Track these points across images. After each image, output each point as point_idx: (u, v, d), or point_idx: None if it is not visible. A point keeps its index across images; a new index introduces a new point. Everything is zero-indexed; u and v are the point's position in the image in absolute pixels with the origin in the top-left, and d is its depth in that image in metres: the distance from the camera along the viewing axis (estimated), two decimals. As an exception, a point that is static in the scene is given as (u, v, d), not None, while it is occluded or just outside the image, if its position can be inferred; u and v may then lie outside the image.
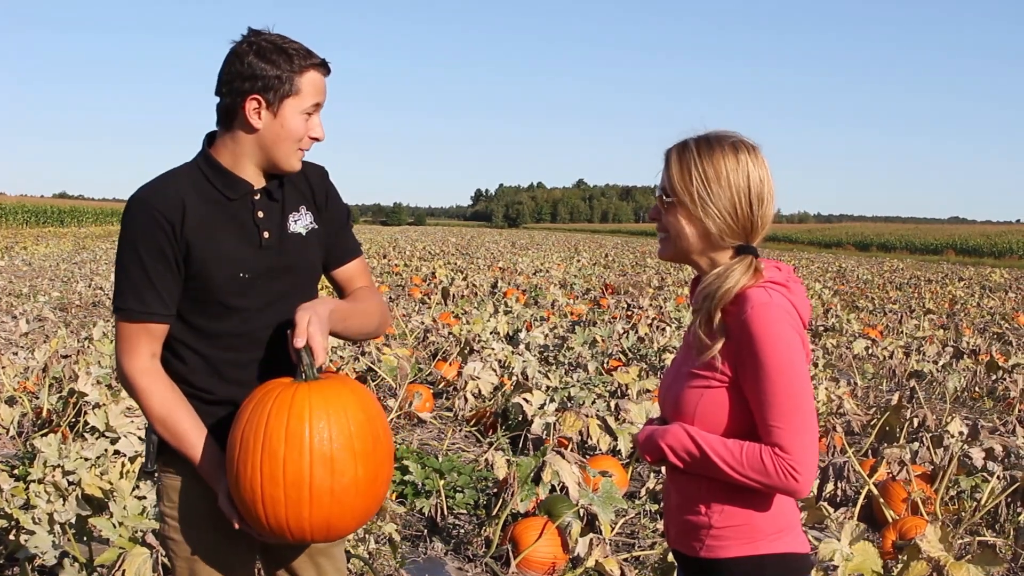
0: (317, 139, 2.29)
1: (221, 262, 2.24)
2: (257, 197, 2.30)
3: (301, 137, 2.25)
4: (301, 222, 2.36)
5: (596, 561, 4.25)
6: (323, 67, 2.25)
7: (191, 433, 2.24)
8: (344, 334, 2.34)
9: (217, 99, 2.27)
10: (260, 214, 2.30)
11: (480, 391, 7.83)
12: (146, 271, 2.20)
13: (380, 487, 2.17)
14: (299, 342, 2.12)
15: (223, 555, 2.38)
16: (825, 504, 4.69)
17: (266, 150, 2.25)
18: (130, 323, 2.23)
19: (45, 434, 5.84)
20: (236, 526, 2.19)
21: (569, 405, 7.03)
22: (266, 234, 2.29)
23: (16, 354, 9.15)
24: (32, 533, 3.97)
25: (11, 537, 4.27)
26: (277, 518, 2.08)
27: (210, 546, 2.35)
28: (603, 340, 10.87)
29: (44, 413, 6.52)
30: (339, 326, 2.27)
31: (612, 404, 6.93)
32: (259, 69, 2.17)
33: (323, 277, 2.51)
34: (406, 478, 5.46)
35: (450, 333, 10.74)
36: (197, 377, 2.30)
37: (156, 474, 2.39)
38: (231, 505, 2.19)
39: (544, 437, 6.33)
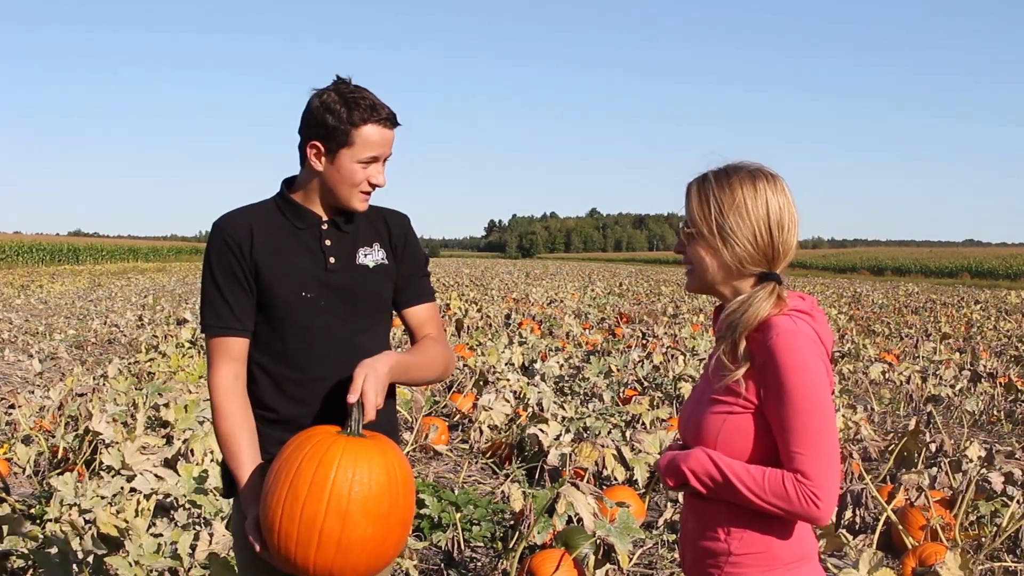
0: (377, 185, 2.47)
1: (287, 281, 2.45)
2: (325, 227, 2.51)
3: (358, 183, 2.44)
4: (371, 256, 2.55)
5: (614, 593, 4.22)
6: (386, 121, 2.42)
7: (245, 459, 2.43)
8: (406, 383, 2.55)
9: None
10: (327, 242, 2.51)
11: (495, 423, 7.80)
12: (220, 290, 2.45)
13: (390, 549, 2.27)
14: (352, 398, 2.28)
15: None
16: (843, 531, 4.65)
17: (328, 191, 2.47)
18: (212, 338, 2.46)
19: (61, 473, 5.86)
20: (257, 549, 2.31)
21: (585, 436, 7.01)
22: (332, 259, 2.50)
23: (32, 392, 9.20)
24: (49, 572, 3.97)
25: (28, 576, 4.28)
26: (287, 552, 2.21)
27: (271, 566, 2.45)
28: (618, 369, 10.83)
29: (60, 452, 6.54)
30: (400, 378, 2.45)
31: (628, 434, 6.91)
32: (321, 118, 2.38)
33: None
34: (422, 512, 5.44)
35: (465, 365, 10.73)
36: (264, 394, 2.49)
37: (232, 499, 2.54)
38: (257, 531, 2.32)
39: (560, 468, 6.31)
